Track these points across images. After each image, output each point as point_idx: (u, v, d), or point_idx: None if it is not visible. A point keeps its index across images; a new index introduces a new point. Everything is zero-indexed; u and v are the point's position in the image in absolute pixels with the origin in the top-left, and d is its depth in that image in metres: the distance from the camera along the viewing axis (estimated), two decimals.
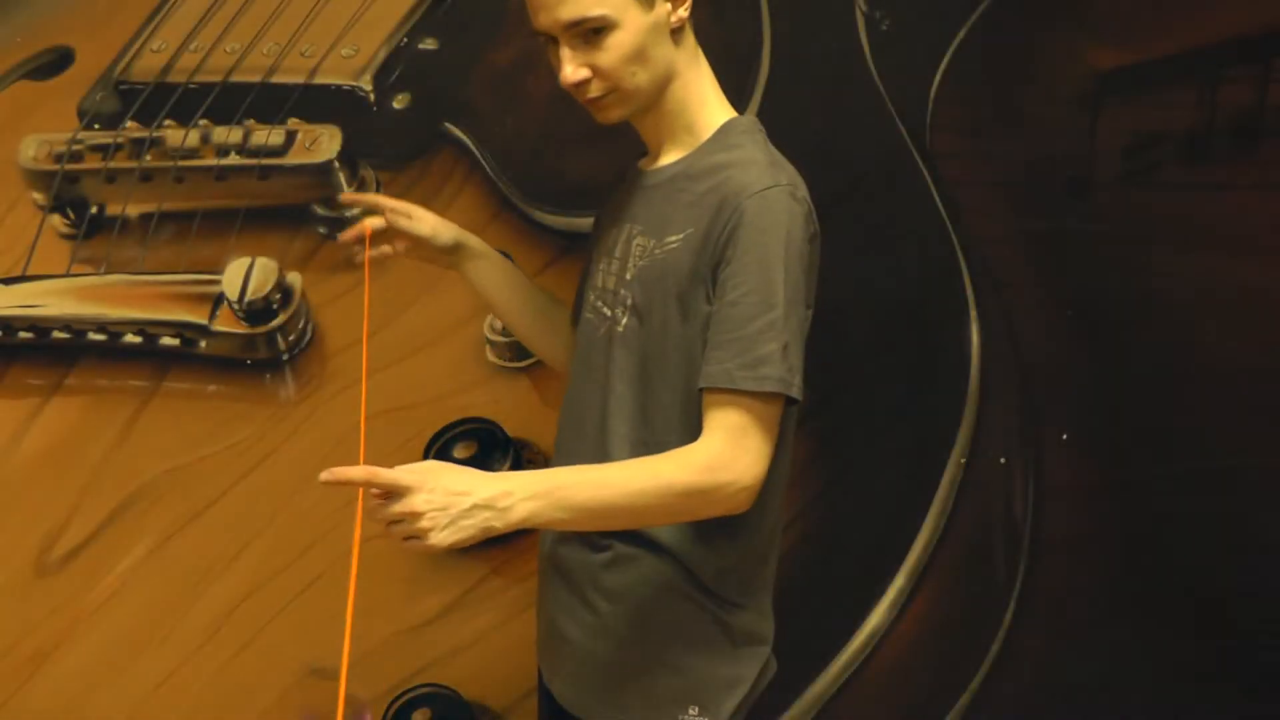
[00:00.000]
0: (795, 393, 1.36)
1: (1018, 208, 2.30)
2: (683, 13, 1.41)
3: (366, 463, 1.23)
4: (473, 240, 1.69)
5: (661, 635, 1.48)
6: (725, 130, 1.46)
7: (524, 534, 1.66)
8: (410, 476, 1.22)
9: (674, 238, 1.40)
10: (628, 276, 1.45)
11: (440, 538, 1.23)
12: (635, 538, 1.46)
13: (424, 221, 1.64)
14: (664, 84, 1.43)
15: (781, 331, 1.33)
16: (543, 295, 1.74)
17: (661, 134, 1.48)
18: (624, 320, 1.44)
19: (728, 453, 1.33)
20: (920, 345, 2.29)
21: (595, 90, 1.41)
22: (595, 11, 1.35)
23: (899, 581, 2.29)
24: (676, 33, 1.41)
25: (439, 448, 2.14)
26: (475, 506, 1.24)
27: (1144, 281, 2.33)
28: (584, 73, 1.39)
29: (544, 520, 1.29)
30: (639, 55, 1.38)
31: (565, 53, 1.39)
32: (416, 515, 1.21)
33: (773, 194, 1.36)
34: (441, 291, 2.11)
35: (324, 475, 1.19)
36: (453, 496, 1.23)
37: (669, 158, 1.48)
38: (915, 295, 2.27)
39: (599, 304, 1.50)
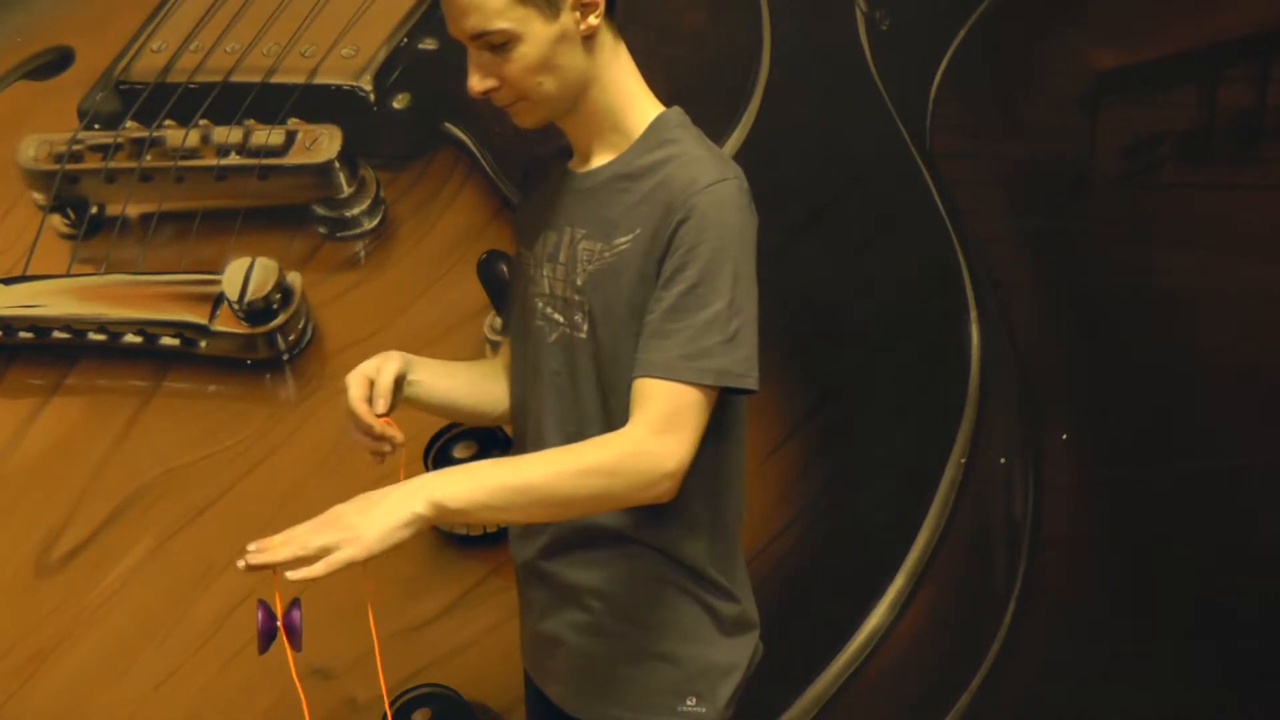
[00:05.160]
0: (750, 384, 1.38)
1: (1018, 208, 2.30)
2: (593, 20, 1.39)
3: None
4: (409, 362, 1.58)
5: (656, 628, 1.48)
6: (657, 126, 1.45)
7: None
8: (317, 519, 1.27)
9: (623, 239, 1.40)
10: (579, 282, 1.44)
11: (369, 536, 1.25)
12: (618, 535, 1.46)
13: (381, 395, 1.51)
14: (579, 89, 1.43)
15: (727, 324, 1.35)
16: (476, 368, 1.70)
17: (589, 136, 1.47)
18: (584, 326, 1.44)
19: (651, 439, 1.34)
20: (920, 345, 2.30)
21: (504, 99, 1.42)
22: (495, 26, 1.35)
23: (899, 581, 2.30)
24: (589, 39, 1.41)
25: (439, 448, 2.14)
26: (388, 500, 1.27)
27: (1144, 281, 2.33)
28: (490, 82, 1.40)
29: (463, 499, 1.30)
30: (544, 66, 1.38)
31: (472, 63, 1.40)
32: (338, 529, 1.25)
33: (722, 188, 1.36)
34: (441, 292, 2.11)
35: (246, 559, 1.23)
36: (364, 503, 1.28)
37: (601, 158, 1.47)
38: (915, 295, 2.28)
39: (548, 310, 1.48)
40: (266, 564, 1.23)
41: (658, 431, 1.34)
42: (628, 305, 1.40)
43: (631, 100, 1.46)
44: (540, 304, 1.50)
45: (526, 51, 1.37)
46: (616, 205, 1.42)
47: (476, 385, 1.63)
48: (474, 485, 1.32)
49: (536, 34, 1.37)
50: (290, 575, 1.23)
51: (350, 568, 1.25)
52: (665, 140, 1.43)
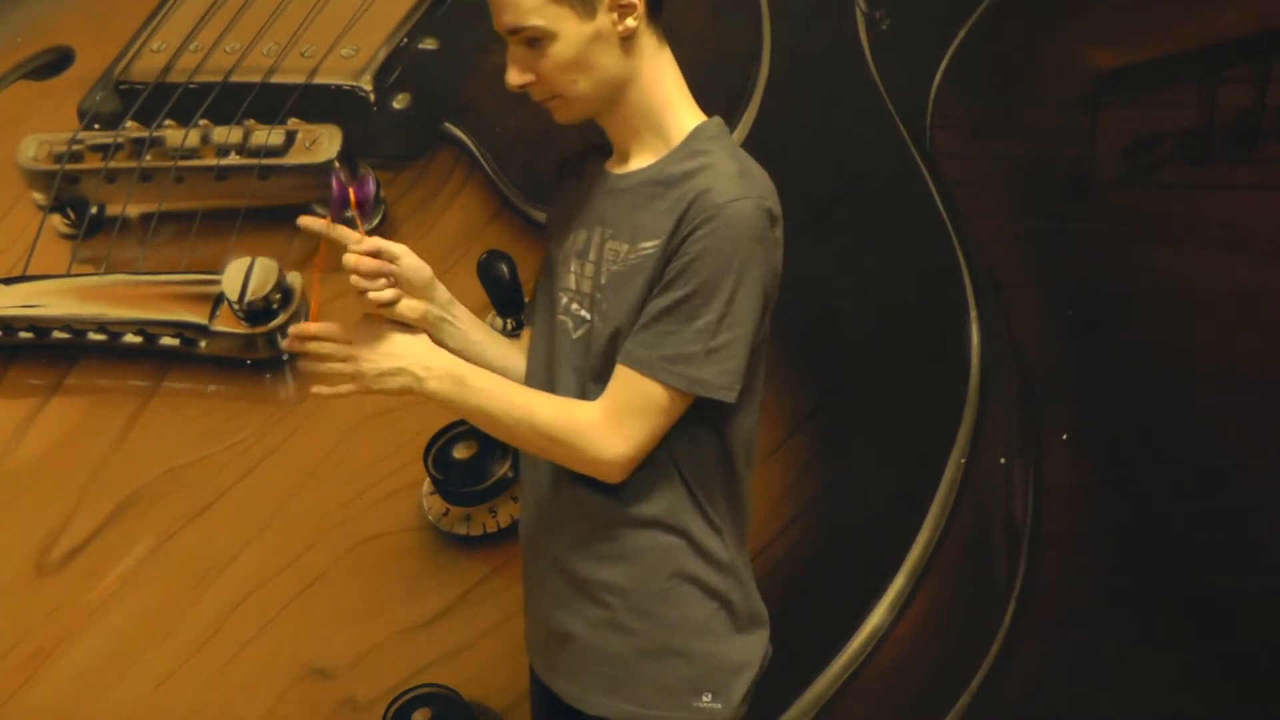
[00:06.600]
0: (727, 397, 1.41)
1: (1018, 208, 2.31)
2: (630, 23, 1.41)
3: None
4: (449, 299, 1.60)
5: (671, 623, 1.48)
6: (694, 135, 1.46)
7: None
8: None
9: (647, 244, 1.42)
10: (602, 281, 1.46)
11: (364, 384, 1.41)
12: (644, 524, 1.47)
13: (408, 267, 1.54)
14: (615, 89, 1.44)
15: (712, 337, 1.38)
16: (505, 342, 1.69)
17: (628, 136, 1.49)
18: (600, 325, 1.45)
19: (605, 424, 1.41)
20: (920, 345, 2.30)
21: (539, 94, 1.44)
22: (529, 22, 1.38)
23: (899, 581, 2.29)
24: (627, 41, 1.42)
25: (439, 447, 2.14)
26: (401, 369, 1.41)
27: (1144, 281, 2.33)
28: (526, 77, 1.42)
29: (447, 401, 1.43)
30: (578, 64, 1.40)
31: (510, 57, 1.43)
32: (353, 360, 1.41)
33: (739, 206, 1.37)
34: None
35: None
36: (385, 357, 1.42)
37: (639, 161, 1.48)
38: (915, 295, 2.28)
39: (574, 306, 1.50)
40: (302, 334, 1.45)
41: (613, 418, 1.40)
42: (638, 309, 1.41)
43: (670, 105, 1.47)
44: (565, 299, 1.51)
45: (561, 49, 1.39)
46: (645, 210, 1.43)
47: (505, 355, 1.64)
48: (461, 399, 1.43)
49: (571, 32, 1.39)
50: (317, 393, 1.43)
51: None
52: (698, 151, 1.44)
